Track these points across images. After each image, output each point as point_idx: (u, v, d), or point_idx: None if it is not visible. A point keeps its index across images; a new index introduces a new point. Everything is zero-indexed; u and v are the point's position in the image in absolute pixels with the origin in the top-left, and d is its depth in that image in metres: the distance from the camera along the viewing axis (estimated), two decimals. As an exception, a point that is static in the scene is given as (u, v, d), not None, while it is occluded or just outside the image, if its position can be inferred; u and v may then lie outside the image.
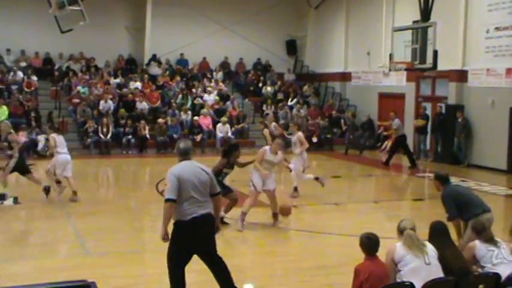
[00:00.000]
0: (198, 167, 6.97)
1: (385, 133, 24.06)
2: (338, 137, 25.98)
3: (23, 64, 26.78)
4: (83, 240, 10.19)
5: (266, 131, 18.52)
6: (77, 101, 24.56)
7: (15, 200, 13.46)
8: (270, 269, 8.93)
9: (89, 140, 22.41)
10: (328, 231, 11.17)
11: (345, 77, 28.37)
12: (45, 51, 27.55)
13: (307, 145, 14.72)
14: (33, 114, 23.09)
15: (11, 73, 25.55)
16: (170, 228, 6.88)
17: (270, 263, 9.18)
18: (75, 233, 10.84)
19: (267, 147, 11.68)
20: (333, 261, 9.16)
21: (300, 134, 14.86)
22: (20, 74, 25.60)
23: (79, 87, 25.32)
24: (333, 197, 14.68)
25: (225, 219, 11.17)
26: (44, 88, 26.21)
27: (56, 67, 27.45)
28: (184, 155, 7.01)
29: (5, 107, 22.90)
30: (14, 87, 24.64)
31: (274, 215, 11.49)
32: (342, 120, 26.43)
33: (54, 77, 26.79)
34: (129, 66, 28.60)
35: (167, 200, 6.72)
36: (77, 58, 28.05)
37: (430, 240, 6.65)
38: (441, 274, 6.19)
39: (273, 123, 23.89)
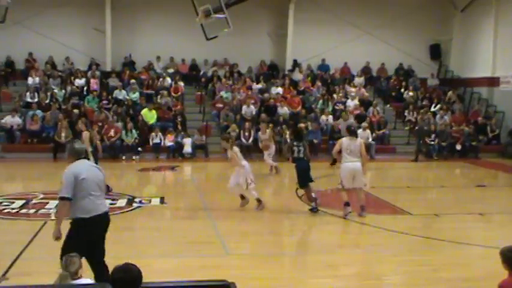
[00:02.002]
0: (93, 166, 7.26)
1: None
2: (484, 144, 24.91)
3: (171, 70, 28.03)
4: (224, 241, 10.46)
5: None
6: (220, 105, 25.31)
7: (162, 200, 14.11)
8: (410, 278, 8.72)
9: (231, 143, 22.96)
10: (472, 242, 10.73)
11: (492, 81, 27.13)
12: (191, 58, 28.69)
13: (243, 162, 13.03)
14: (179, 118, 24.07)
15: (160, 79, 26.82)
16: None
17: (410, 272, 8.96)
18: (217, 234, 11.15)
19: None
20: (477, 274, 8.78)
21: (235, 149, 13.14)
22: (168, 79, 26.80)
23: (222, 92, 26.09)
24: (477, 207, 14.08)
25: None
26: (190, 93, 27.30)
27: (201, 73, 28.48)
28: (80, 155, 7.13)
29: (154, 111, 24.06)
30: (162, 92, 25.82)
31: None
32: (489, 127, 25.32)
33: (200, 83, 27.81)
34: (271, 72, 29.05)
35: (64, 198, 6.78)
36: (221, 64, 28.92)
37: None
38: None
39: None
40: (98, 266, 7.01)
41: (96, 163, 14.78)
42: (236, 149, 13.11)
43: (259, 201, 13.08)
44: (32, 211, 12.80)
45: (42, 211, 12.77)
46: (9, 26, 23.28)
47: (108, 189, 14.78)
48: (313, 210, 12.83)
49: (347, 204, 12.47)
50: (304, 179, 12.90)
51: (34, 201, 13.84)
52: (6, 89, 26.43)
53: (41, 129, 22.97)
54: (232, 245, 10.20)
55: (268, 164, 19.45)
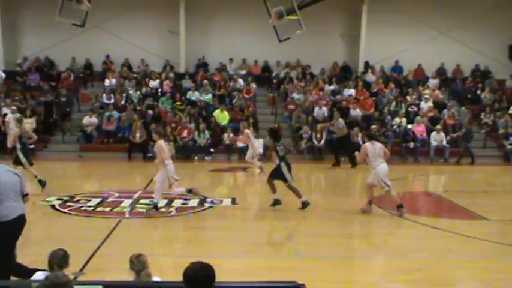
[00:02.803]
0: (7, 170, 7.22)
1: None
2: None
3: (243, 72, 28.23)
4: (294, 243, 10.45)
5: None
6: (292, 107, 25.32)
7: (233, 201, 14.22)
8: (485, 285, 8.47)
9: (303, 145, 22.98)
10: (551, 249, 10.35)
11: None
12: (263, 59, 28.81)
13: (167, 155, 12.60)
14: (251, 119, 24.22)
15: (233, 80, 27.06)
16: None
17: (486, 279, 8.70)
18: (287, 235, 11.16)
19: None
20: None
21: (161, 142, 12.63)
22: (241, 81, 27.01)
23: (294, 94, 26.08)
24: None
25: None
26: (262, 95, 27.42)
27: (273, 74, 28.57)
28: None
29: (226, 112, 24.30)
30: (235, 93, 26.05)
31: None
32: None
33: (272, 84, 27.90)
34: (343, 73, 28.85)
35: None
36: (293, 65, 28.94)
37: None
38: None
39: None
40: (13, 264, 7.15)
41: (26, 157, 15.16)
42: (163, 143, 12.65)
43: (190, 191, 13.03)
44: (107, 209, 13.13)
45: (117, 209, 13.09)
46: (88, 29, 23.97)
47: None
48: (278, 203, 13.27)
49: (401, 206, 12.74)
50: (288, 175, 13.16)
51: (109, 199, 14.21)
52: (84, 91, 27.32)
53: (117, 130, 23.58)
54: (302, 247, 10.18)
55: (255, 164, 19.49)
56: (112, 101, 25.38)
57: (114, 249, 9.71)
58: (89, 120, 23.73)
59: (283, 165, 13.06)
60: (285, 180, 13.15)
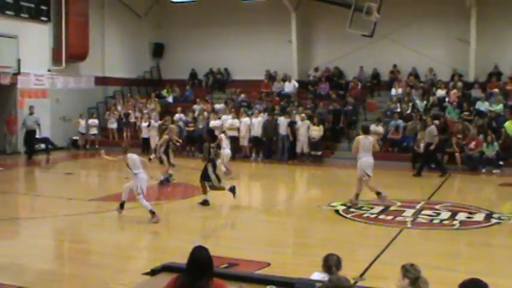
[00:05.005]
0: None
1: None
2: None
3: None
4: None
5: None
6: None
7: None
8: None
9: None
10: None
11: None
12: None
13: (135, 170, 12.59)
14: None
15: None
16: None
17: None
18: None
19: None
20: None
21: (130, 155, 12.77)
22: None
23: None
24: None
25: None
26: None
27: None
28: None
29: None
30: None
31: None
32: None
33: None
34: None
35: None
36: None
37: None
38: None
39: None
40: None
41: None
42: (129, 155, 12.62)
43: (152, 213, 12.48)
44: (389, 217, 13.28)
45: (398, 218, 13.17)
46: (376, 40, 24.38)
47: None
48: (206, 204, 14.04)
49: (379, 193, 14.21)
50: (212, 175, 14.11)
51: (392, 208, 14.32)
52: (371, 99, 27.88)
53: (402, 139, 23.66)
54: None
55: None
56: (398, 110, 25.49)
57: (394, 257, 9.76)
58: (376, 129, 24.12)
59: (209, 165, 14.10)
60: (208, 179, 14.06)
